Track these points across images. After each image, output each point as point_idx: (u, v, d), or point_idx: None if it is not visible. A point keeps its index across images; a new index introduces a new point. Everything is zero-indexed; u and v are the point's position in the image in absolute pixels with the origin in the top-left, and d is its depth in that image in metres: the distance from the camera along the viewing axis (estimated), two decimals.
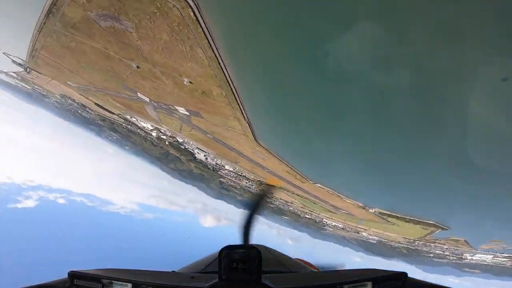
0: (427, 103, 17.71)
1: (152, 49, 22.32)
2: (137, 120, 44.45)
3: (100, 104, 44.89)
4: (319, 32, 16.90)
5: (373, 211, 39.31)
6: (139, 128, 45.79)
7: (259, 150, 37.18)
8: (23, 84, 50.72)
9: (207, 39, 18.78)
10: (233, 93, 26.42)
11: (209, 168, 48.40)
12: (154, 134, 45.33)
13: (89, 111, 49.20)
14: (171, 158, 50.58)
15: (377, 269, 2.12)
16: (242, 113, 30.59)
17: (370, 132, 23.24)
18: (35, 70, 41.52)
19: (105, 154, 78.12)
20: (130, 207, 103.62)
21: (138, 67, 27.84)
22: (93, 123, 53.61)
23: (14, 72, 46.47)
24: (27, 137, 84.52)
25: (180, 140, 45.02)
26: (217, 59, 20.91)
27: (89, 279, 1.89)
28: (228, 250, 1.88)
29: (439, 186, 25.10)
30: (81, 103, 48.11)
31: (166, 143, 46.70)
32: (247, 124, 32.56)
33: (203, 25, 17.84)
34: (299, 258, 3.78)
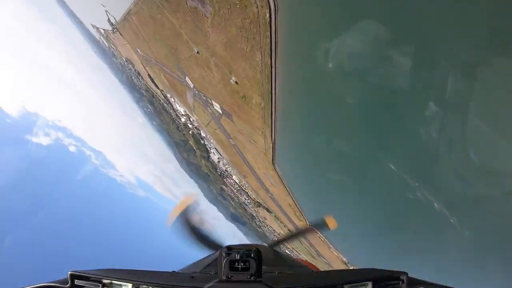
0: None
1: (217, 39, 23.62)
2: (174, 101, 46.46)
3: (152, 76, 48.02)
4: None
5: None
6: (173, 109, 47.64)
7: (272, 174, 36.33)
8: (104, 41, 56.68)
9: (271, 46, 19.35)
10: (271, 109, 26.47)
11: (217, 172, 48.06)
12: (183, 120, 46.66)
13: (140, 79, 52.77)
14: (187, 148, 51.18)
15: (378, 269, 2.12)
16: (271, 132, 30.44)
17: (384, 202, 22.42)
18: (119, 32, 46.34)
19: (133, 122, 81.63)
20: (128, 178, 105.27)
21: (198, 52, 29.59)
22: (138, 90, 57.10)
23: (103, 29, 52.31)
24: (79, 82, 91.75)
25: (203, 135, 45.74)
26: (271, 69, 21.36)
27: (90, 280, 1.94)
28: (228, 250, 1.89)
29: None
30: (138, 71, 51.92)
31: (190, 132, 47.63)
32: (271, 144, 32.28)
33: (273, 30, 18.36)
34: (299, 258, 3.81)
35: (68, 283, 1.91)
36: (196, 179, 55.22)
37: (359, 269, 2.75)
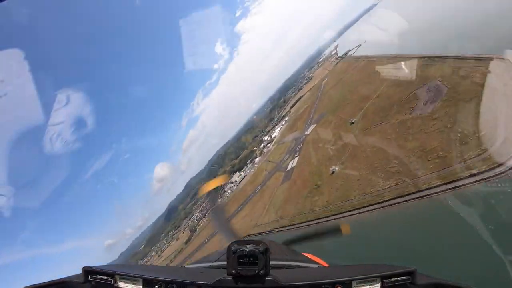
0: None
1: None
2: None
3: None
4: None
5: None
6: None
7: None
8: None
9: None
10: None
11: (216, 193, 42.83)
12: (266, 137, 44.83)
13: None
14: (232, 157, 48.38)
15: (386, 265, 2.16)
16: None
17: None
18: None
19: None
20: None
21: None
22: None
23: None
24: None
25: (254, 160, 42.24)
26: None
27: (103, 274, 1.98)
28: (236, 245, 1.88)
29: None
30: None
31: (254, 148, 45.04)
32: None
33: None
34: (306, 253, 3.49)
35: (82, 279, 1.97)
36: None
37: (367, 264, 2.37)
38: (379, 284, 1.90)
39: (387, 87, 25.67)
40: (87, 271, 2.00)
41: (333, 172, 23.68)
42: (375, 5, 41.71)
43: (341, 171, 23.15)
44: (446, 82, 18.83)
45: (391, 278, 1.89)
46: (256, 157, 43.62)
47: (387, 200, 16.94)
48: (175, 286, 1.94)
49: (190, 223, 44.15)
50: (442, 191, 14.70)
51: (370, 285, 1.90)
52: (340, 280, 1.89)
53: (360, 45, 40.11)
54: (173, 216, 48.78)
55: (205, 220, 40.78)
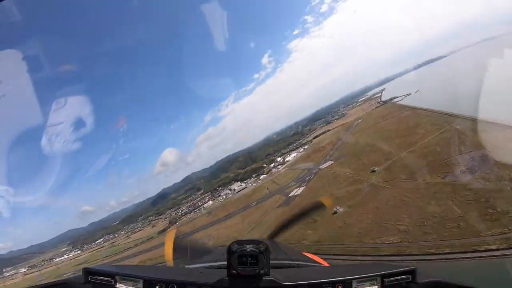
0: None
1: None
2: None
3: None
4: None
5: None
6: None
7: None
8: None
9: None
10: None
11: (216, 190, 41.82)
12: (279, 158, 43.46)
13: None
14: (240, 166, 47.31)
15: (386, 264, 2.34)
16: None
17: None
18: None
19: None
20: None
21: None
22: None
23: None
24: None
25: (259, 175, 40.65)
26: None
27: (103, 275, 1.99)
28: (236, 245, 1.84)
29: None
30: None
31: (264, 165, 43.68)
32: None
33: None
34: (306, 252, 3.45)
35: (82, 280, 2.02)
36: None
37: (367, 264, 2.89)
38: (379, 283, 1.87)
39: (426, 145, 23.63)
40: (87, 272, 2.00)
41: (335, 212, 21.39)
42: (441, 57, 39.33)
43: (344, 214, 20.87)
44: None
45: (391, 277, 1.89)
46: (262, 174, 42.14)
47: (384, 255, 14.95)
48: (175, 286, 1.91)
49: (173, 214, 42.60)
50: (444, 259, 13.19)
51: (370, 284, 1.86)
52: (340, 279, 1.85)
53: (409, 94, 38.14)
54: (160, 203, 47.47)
55: (189, 216, 39.43)
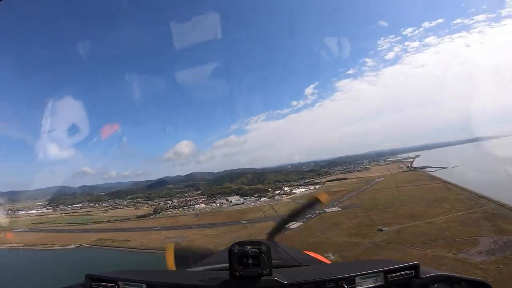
0: None
1: None
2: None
3: None
4: None
5: None
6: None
7: None
8: None
9: None
10: None
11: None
12: (286, 188, 41.92)
13: None
14: (246, 182, 46.80)
15: (389, 260, 2.04)
16: None
17: None
18: None
19: None
20: None
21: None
22: None
23: None
24: None
25: (260, 197, 39.35)
26: None
27: (106, 281, 1.96)
28: (238, 246, 1.79)
29: None
30: None
31: (269, 189, 42.47)
32: None
33: None
34: (308, 251, 3.34)
35: (86, 287, 1.96)
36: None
37: (370, 260, 2.85)
38: (383, 279, 1.84)
39: (448, 219, 21.02)
40: (90, 278, 1.96)
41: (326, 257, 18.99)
42: (491, 137, 36.27)
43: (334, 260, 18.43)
44: None
45: (394, 273, 1.84)
46: (265, 197, 40.45)
47: None
48: None
49: (162, 204, 41.58)
50: None
51: (374, 280, 1.84)
52: (343, 277, 1.83)
53: (446, 167, 35.52)
54: (155, 188, 46.90)
55: (175, 211, 38.05)
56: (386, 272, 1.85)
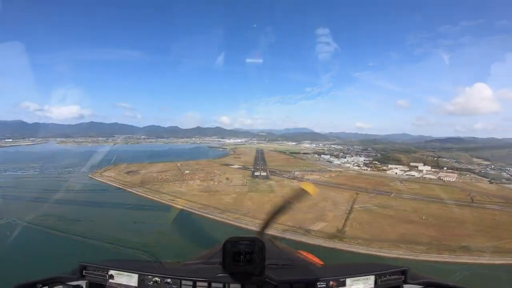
0: None
1: None
2: None
3: None
4: None
5: None
6: None
7: None
8: None
9: None
10: None
11: None
12: None
13: None
14: None
15: (380, 264, 2.21)
16: None
17: None
18: None
19: None
20: None
21: None
22: None
23: None
24: None
25: None
26: None
27: (98, 270, 1.98)
28: (232, 242, 1.86)
29: None
30: None
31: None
32: None
33: None
34: (302, 251, 3.60)
35: (77, 275, 1.96)
36: None
37: (361, 263, 2.56)
38: (373, 282, 1.88)
39: None
40: (82, 266, 1.96)
41: None
42: None
43: None
44: None
45: (384, 277, 1.89)
46: None
47: None
48: (170, 282, 1.89)
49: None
50: None
51: (364, 283, 1.86)
52: (334, 278, 1.84)
53: None
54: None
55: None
56: (376, 276, 1.91)
